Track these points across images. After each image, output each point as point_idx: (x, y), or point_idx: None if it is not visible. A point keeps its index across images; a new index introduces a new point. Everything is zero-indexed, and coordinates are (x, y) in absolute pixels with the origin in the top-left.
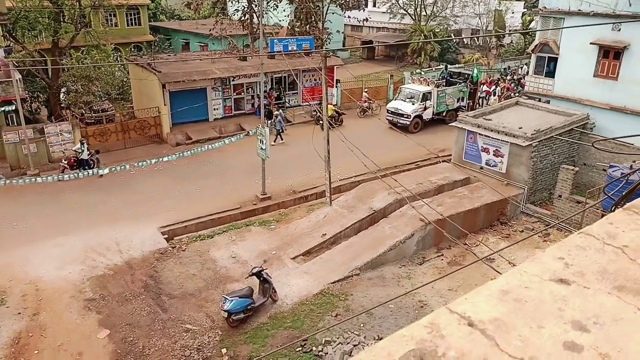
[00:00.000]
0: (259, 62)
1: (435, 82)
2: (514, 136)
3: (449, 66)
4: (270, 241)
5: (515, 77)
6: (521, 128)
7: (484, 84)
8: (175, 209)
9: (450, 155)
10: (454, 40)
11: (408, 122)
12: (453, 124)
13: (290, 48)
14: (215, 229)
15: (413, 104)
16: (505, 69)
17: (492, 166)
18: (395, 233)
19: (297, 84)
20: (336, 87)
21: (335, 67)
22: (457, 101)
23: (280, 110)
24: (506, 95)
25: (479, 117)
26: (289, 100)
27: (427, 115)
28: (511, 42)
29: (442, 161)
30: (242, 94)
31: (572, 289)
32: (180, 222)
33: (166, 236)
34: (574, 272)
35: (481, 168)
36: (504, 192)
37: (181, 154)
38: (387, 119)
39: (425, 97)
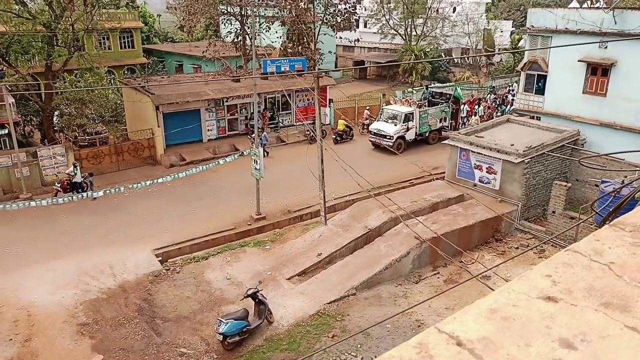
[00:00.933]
0: (252, 83)
1: (417, 102)
2: (506, 153)
3: (429, 86)
4: (265, 262)
5: (498, 96)
6: (513, 145)
7: (465, 103)
8: (170, 230)
9: (444, 172)
10: (445, 59)
11: (391, 143)
12: (446, 141)
13: (283, 69)
14: (209, 250)
15: (395, 125)
16: (491, 88)
17: (486, 183)
18: (391, 252)
19: (290, 104)
20: (329, 106)
21: (327, 87)
22: (440, 121)
23: (265, 133)
24: (488, 114)
25: (471, 135)
26: (282, 120)
27: (410, 136)
28: (501, 60)
29: (436, 179)
30: (236, 114)
31: (560, 307)
32: (175, 244)
33: (160, 258)
34: (561, 289)
35: (475, 185)
36: (498, 209)
37: (175, 176)
38: (370, 140)
39: (408, 117)
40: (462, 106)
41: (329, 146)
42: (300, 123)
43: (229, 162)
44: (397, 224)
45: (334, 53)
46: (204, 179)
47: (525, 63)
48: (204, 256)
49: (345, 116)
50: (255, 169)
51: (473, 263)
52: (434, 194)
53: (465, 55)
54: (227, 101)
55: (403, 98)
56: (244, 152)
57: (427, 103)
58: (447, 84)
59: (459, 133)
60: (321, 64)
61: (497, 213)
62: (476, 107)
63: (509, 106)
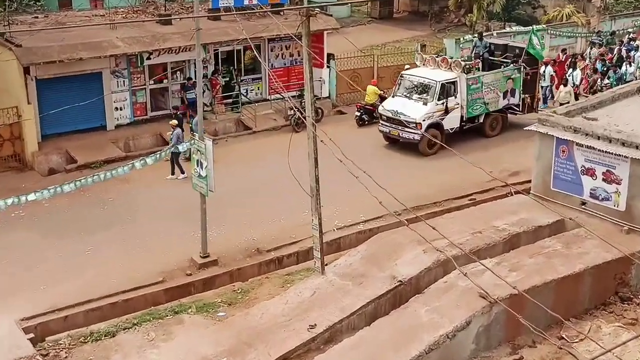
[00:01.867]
0: (192, 27)
1: (465, 63)
2: (637, 147)
3: (485, 35)
4: (218, 341)
5: (605, 51)
6: None
7: (547, 63)
8: (49, 285)
9: (529, 182)
10: None
11: (417, 137)
12: (531, 127)
13: (247, 1)
14: (120, 320)
15: (425, 104)
16: (608, 35)
17: (602, 200)
18: (438, 321)
19: (259, 63)
20: (328, 67)
21: (325, 32)
22: (505, 97)
23: (178, 129)
24: (592, 82)
25: (575, 115)
26: (246, 92)
27: (452, 123)
28: None
29: (516, 192)
30: (165, 81)
31: None
32: (58, 310)
33: (32, 335)
34: None
35: (583, 204)
36: (625, 244)
37: (58, 189)
38: (380, 130)
39: (447, 90)
40: (544, 68)
41: (330, 134)
42: (278, 96)
43: (153, 165)
44: (448, 272)
45: None
46: (109, 194)
47: None
48: (109, 331)
49: (357, 83)
50: (200, 176)
51: (582, 340)
52: (512, 219)
53: None
54: (149, 58)
55: (438, 56)
56: (180, 148)
57: (481, 64)
58: (531, 27)
59: (554, 112)
60: None
61: (622, 252)
62: (569, 70)
63: (629, 68)
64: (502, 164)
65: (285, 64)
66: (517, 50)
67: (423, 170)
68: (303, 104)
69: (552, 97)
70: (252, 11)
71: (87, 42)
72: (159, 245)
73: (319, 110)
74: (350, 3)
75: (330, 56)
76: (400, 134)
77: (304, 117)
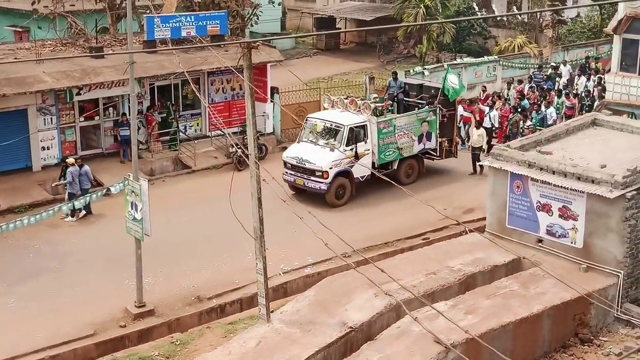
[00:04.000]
0: (125, 60)
1: (375, 105)
2: (593, 181)
3: (400, 74)
4: None
5: (540, 82)
6: (604, 167)
7: (460, 103)
8: None
9: (484, 219)
10: (478, 17)
11: (324, 186)
12: (484, 162)
13: (184, 33)
14: None
15: (332, 150)
16: (550, 66)
17: (559, 237)
18: None
19: (198, 98)
20: (272, 101)
21: (268, 65)
22: (420, 141)
23: (74, 167)
24: (515, 128)
25: (529, 149)
26: (184, 128)
27: (362, 170)
28: (578, 15)
29: (470, 231)
30: (97, 118)
31: None
32: None
33: None
34: None
35: (539, 241)
36: (583, 283)
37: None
38: (285, 180)
39: (357, 135)
40: (460, 109)
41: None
42: (219, 133)
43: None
44: (402, 316)
45: (280, 4)
46: (34, 241)
47: (621, 20)
48: None
49: (302, 118)
50: (134, 219)
51: None
52: (467, 258)
53: (513, 13)
54: (79, 94)
55: (347, 97)
56: (111, 189)
57: (394, 105)
58: (464, 60)
59: (508, 147)
60: (256, 23)
61: (580, 292)
62: (486, 110)
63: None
64: (454, 201)
65: (226, 99)
66: (432, 91)
67: (372, 210)
68: (245, 140)
69: (466, 141)
70: (189, 46)
71: (11, 78)
72: (90, 295)
73: (263, 147)
74: (295, 36)
75: (274, 90)
76: (306, 183)
77: (247, 155)
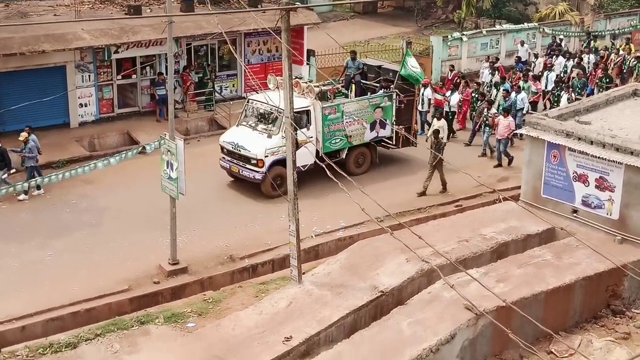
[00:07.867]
0: (163, 19)
1: (320, 89)
2: (632, 153)
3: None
4: (188, 354)
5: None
6: None
7: (426, 85)
8: (5, 293)
9: (519, 188)
10: None
11: (260, 174)
12: (522, 130)
13: None
14: (81, 330)
15: (270, 137)
16: (585, 34)
17: (595, 208)
18: (421, 334)
19: (235, 59)
20: (308, 64)
21: (305, 27)
22: (372, 128)
23: (33, 135)
24: (480, 116)
25: (568, 119)
26: (220, 89)
27: (304, 159)
28: None
29: (504, 199)
30: (134, 77)
31: None
32: (15, 319)
33: None
34: None
35: (574, 212)
36: (618, 255)
37: (13, 189)
38: (221, 166)
39: (298, 121)
40: (422, 90)
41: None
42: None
43: (119, 164)
44: (433, 282)
45: None
46: (72, 197)
47: None
48: (70, 342)
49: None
50: (170, 178)
51: (572, 355)
52: (500, 226)
53: None
54: (117, 52)
55: (293, 79)
56: (147, 148)
57: (347, 88)
58: (503, 26)
59: (546, 116)
60: None
61: (614, 263)
62: (448, 93)
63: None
64: (487, 170)
65: (262, 60)
66: (390, 74)
67: (406, 176)
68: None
69: (427, 129)
70: (228, 11)
71: (50, 34)
72: (125, 251)
73: None
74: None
75: (311, 53)
76: (241, 171)
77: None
